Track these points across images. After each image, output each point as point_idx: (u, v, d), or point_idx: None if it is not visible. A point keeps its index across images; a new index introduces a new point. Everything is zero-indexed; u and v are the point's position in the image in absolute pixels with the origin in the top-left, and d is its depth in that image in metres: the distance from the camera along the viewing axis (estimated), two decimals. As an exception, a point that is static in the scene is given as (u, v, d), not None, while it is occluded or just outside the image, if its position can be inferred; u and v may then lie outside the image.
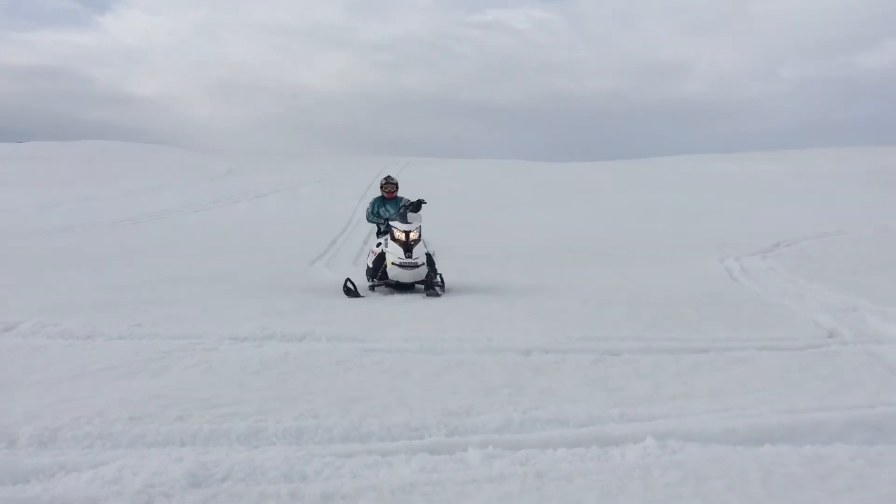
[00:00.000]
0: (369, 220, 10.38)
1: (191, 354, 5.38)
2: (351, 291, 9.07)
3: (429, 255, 9.47)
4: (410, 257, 9.18)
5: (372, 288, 9.62)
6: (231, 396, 4.27)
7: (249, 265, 12.24)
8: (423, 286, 9.47)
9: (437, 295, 8.92)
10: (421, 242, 9.41)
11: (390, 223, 9.63)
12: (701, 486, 3.01)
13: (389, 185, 10.47)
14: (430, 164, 41.21)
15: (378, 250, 9.68)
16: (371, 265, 9.76)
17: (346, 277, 9.38)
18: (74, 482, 3.00)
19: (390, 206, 10.33)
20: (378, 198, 10.51)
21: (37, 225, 19.31)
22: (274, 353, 5.50)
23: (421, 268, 9.24)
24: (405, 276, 9.23)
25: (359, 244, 16.69)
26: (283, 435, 3.68)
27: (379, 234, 10.22)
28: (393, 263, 9.23)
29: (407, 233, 9.34)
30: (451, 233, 19.07)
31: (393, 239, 9.40)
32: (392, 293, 9.41)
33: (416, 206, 9.81)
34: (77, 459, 3.28)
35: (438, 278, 9.59)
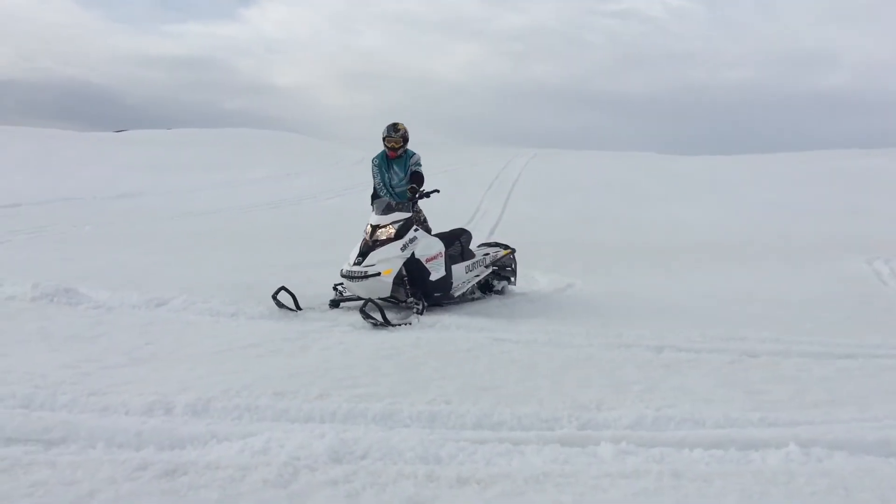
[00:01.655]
0: (372, 201, 7.38)
1: (327, 336, 5.59)
2: (280, 304, 6.59)
3: (414, 266, 6.75)
4: (360, 263, 6.54)
5: (335, 304, 6.89)
6: (366, 378, 4.42)
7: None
8: (445, 299, 7.15)
9: (376, 323, 6.12)
10: (397, 247, 6.64)
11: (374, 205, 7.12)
12: (850, 498, 2.88)
13: (391, 138, 7.44)
14: (557, 156, 40.83)
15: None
16: None
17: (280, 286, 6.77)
18: (226, 450, 3.20)
19: (398, 167, 7.56)
20: (380, 156, 7.67)
21: (184, 207, 20.48)
22: (406, 339, 5.65)
23: (374, 282, 6.45)
24: (353, 289, 6.64)
25: (485, 235, 16.76)
26: (417, 418, 3.78)
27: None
28: (341, 270, 6.70)
29: (374, 227, 6.75)
30: (575, 227, 18.86)
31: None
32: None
33: (416, 192, 7.19)
34: (227, 429, 3.48)
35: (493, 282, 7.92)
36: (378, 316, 6.18)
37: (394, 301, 6.82)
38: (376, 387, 4.23)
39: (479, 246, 8.07)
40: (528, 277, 9.86)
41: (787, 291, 8.83)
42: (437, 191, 7.43)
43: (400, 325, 6.25)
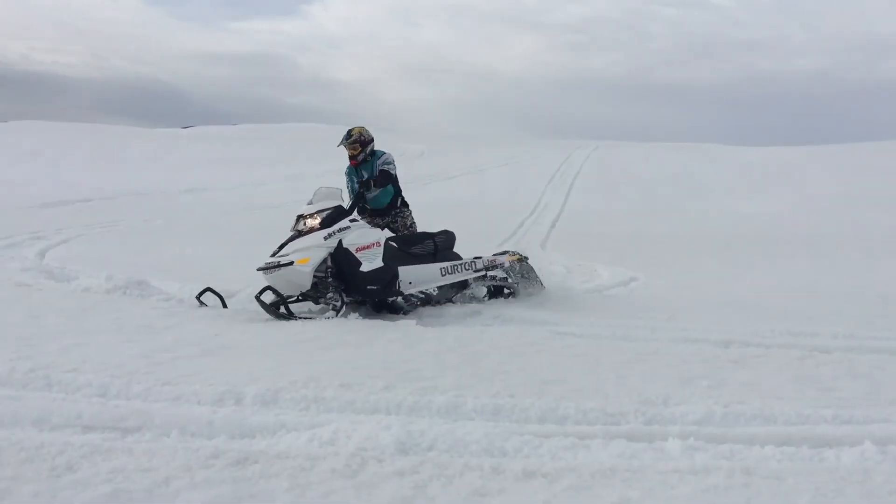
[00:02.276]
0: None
1: (392, 330, 5.64)
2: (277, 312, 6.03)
3: (342, 257, 6.16)
4: (276, 254, 6.17)
5: (275, 307, 6.05)
6: (430, 371, 4.44)
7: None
8: (450, 298, 6.88)
9: (277, 314, 5.94)
10: (319, 236, 6.12)
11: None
12: (930, 498, 2.78)
13: (345, 145, 7.14)
14: (619, 148, 40.35)
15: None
16: None
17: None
18: (295, 440, 3.26)
19: (366, 172, 7.17)
20: (349, 168, 7.36)
21: (250, 201, 20.92)
22: (468, 332, 5.66)
23: (288, 272, 5.99)
24: (270, 283, 6.13)
25: (546, 227, 16.68)
26: (481, 411, 3.78)
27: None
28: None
29: (298, 217, 6.37)
30: (638, 220, 18.62)
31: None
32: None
33: (367, 184, 6.90)
34: (296, 419, 3.54)
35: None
36: (283, 308, 6.02)
37: (312, 297, 6.28)
38: (440, 379, 4.24)
39: (493, 255, 7.28)
40: (590, 271, 9.80)
41: (861, 286, 8.57)
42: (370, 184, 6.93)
43: (308, 318, 5.97)
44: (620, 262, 10.32)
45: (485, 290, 7.16)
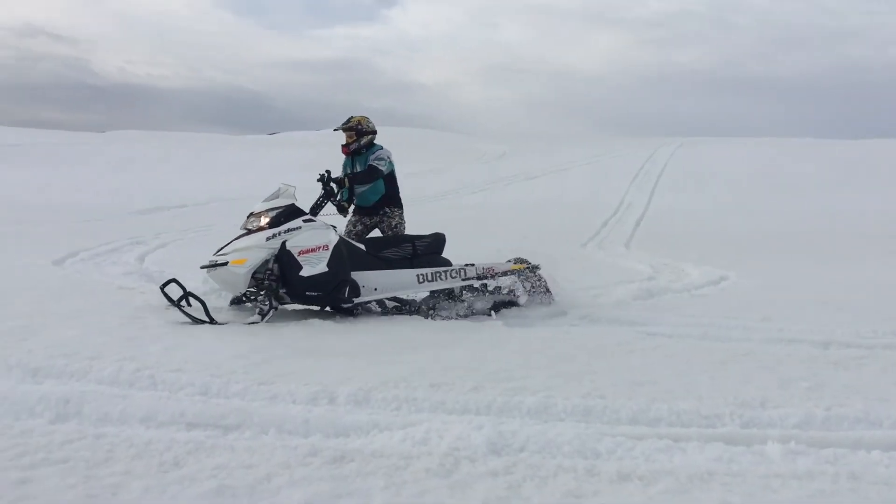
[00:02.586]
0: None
1: (478, 331, 5.66)
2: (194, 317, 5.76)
3: (284, 259, 5.93)
4: (218, 252, 6.03)
5: (176, 301, 5.93)
6: (519, 371, 4.44)
7: (522, 245, 12.54)
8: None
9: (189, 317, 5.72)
10: (262, 236, 5.94)
11: None
12: None
13: (346, 131, 6.95)
14: (705, 144, 39.34)
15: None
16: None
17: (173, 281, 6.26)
18: (388, 439, 3.31)
19: (360, 166, 6.98)
20: (345, 159, 7.17)
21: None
22: (554, 332, 5.64)
23: (223, 272, 5.89)
24: (211, 278, 6.11)
25: (630, 227, 16.44)
26: (572, 412, 3.76)
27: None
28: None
29: (249, 216, 6.20)
30: (726, 217, 18.14)
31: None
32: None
33: (344, 180, 6.63)
34: (388, 419, 3.59)
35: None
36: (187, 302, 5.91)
37: (246, 299, 6.13)
38: (529, 380, 4.24)
39: (507, 262, 6.71)
40: (677, 270, 9.61)
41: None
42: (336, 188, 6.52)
43: (222, 323, 5.74)
44: (709, 261, 10.08)
45: (488, 303, 6.49)
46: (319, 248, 5.98)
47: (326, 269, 5.94)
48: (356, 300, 6.19)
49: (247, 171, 30.61)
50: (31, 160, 31.69)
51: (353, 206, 7.08)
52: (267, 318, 5.84)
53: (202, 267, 6.05)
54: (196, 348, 4.89)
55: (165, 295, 5.96)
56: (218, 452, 3.12)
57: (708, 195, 23.91)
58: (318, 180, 6.45)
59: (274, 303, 5.94)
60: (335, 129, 7.07)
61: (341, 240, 6.21)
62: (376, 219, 7.11)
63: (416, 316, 6.31)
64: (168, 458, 3.03)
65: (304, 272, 5.91)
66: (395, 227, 7.08)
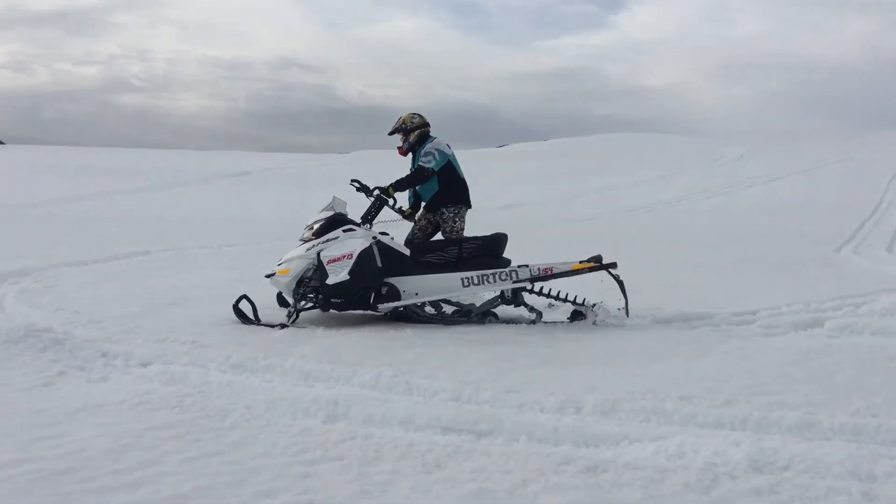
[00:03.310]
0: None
1: (725, 341, 5.42)
2: (244, 316, 6.27)
3: (320, 268, 6.18)
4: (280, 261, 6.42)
5: (244, 314, 6.28)
6: (776, 385, 4.21)
7: (764, 251, 11.81)
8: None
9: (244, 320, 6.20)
10: (305, 247, 6.28)
11: None
12: None
13: (396, 133, 6.96)
14: (981, 132, 34.78)
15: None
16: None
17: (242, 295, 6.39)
18: (640, 451, 3.27)
19: (416, 162, 6.90)
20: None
21: (564, 214, 21.38)
22: (813, 344, 5.27)
23: (273, 281, 6.36)
24: (274, 286, 6.50)
25: (892, 228, 14.92)
26: (840, 430, 3.50)
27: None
28: None
29: (306, 226, 6.52)
30: None
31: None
32: None
33: (399, 183, 6.62)
34: (637, 431, 3.55)
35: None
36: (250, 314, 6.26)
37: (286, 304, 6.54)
38: (788, 395, 4.00)
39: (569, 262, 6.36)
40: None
41: None
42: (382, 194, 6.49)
43: (274, 326, 6.07)
44: None
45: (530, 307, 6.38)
46: (344, 256, 6.14)
47: (348, 278, 6.11)
48: (383, 305, 6.22)
49: (478, 184, 31.53)
50: (286, 182, 34.86)
51: (423, 205, 6.98)
52: (292, 320, 6.17)
53: (266, 276, 6.43)
54: (444, 356, 5.12)
55: (238, 312, 6.24)
56: (475, 457, 3.25)
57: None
58: (358, 190, 6.64)
59: (295, 308, 6.23)
60: (388, 134, 7.05)
61: (374, 247, 6.27)
62: (437, 218, 6.91)
63: (654, 323, 6.17)
64: (430, 460, 3.22)
65: (329, 280, 6.14)
66: (452, 230, 6.81)
